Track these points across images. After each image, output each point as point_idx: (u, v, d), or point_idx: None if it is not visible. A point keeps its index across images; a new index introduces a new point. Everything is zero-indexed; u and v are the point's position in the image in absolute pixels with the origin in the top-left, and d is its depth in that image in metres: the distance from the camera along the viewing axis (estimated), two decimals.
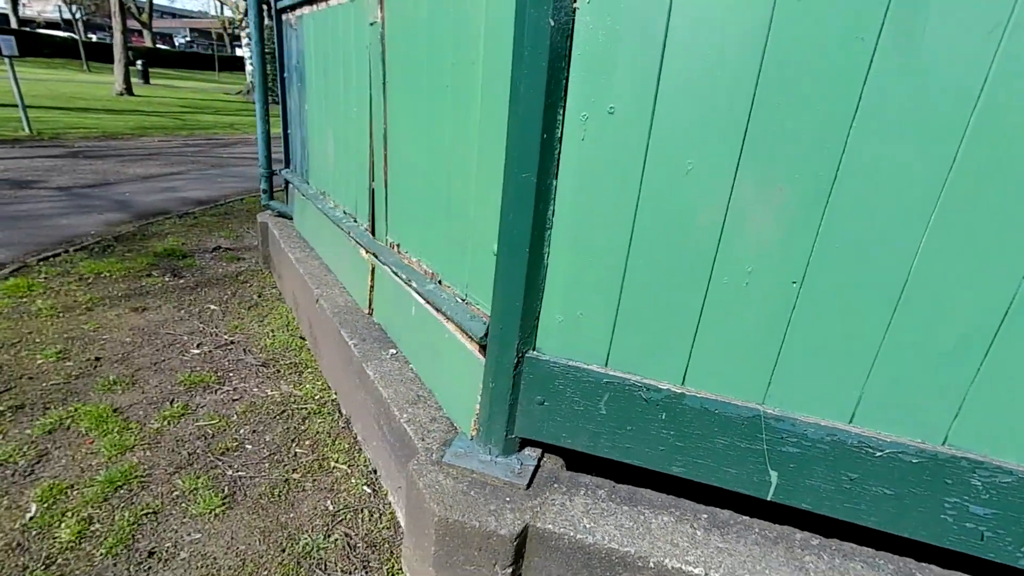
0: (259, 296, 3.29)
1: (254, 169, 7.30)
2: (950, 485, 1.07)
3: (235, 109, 16.59)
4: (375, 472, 1.86)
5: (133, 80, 17.67)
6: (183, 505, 1.67)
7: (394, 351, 1.97)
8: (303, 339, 2.79)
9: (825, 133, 1.00)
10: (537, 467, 1.40)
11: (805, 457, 1.17)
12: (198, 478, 1.78)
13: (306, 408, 2.21)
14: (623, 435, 1.31)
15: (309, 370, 2.51)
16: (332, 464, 1.90)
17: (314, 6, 2.65)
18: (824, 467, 1.16)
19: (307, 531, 1.61)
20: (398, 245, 2.00)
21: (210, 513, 1.64)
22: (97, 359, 2.42)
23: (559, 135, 1.18)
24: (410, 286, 1.82)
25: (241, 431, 2.05)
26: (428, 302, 1.73)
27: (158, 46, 44.36)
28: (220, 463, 1.86)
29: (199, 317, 2.94)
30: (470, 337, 1.49)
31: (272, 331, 2.86)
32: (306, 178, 3.21)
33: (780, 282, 1.11)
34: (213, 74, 38.18)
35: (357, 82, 2.19)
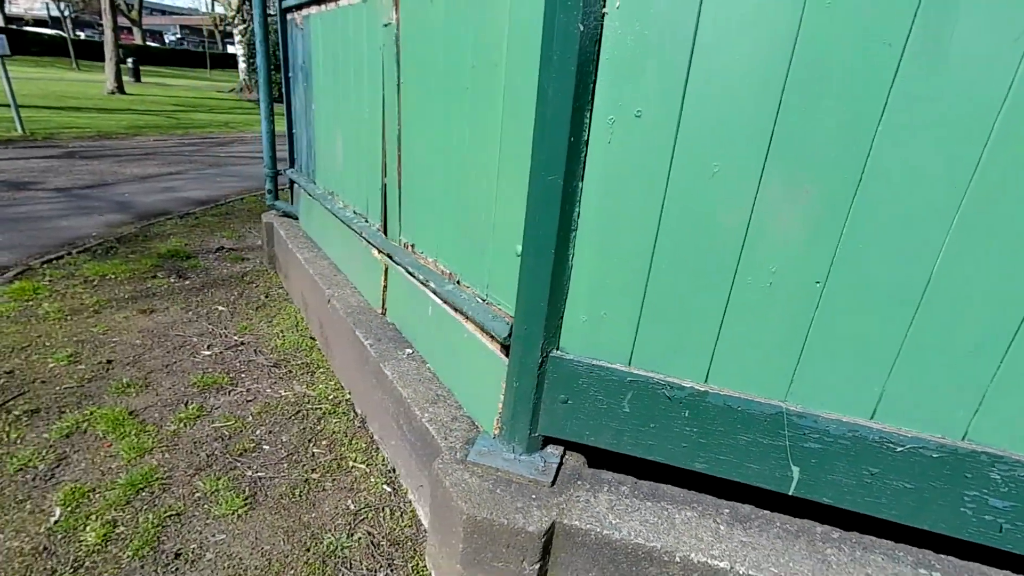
0: (266, 296, 3.30)
1: (252, 168, 7.27)
2: (970, 479, 1.10)
3: (229, 107, 16.49)
4: (394, 471, 1.88)
5: (124, 78, 17.50)
6: (206, 506, 1.68)
7: (410, 351, 1.98)
8: (313, 339, 2.79)
9: (851, 136, 1.02)
10: (560, 464, 1.43)
11: (827, 453, 1.19)
12: (218, 479, 1.79)
13: (321, 408, 2.23)
14: (646, 432, 1.33)
15: (321, 370, 2.52)
16: (350, 464, 1.92)
17: (322, 6, 2.65)
18: (845, 462, 1.18)
19: (330, 530, 1.63)
20: (412, 245, 2.01)
21: (233, 514, 1.66)
22: (108, 362, 2.42)
23: (586, 138, 1.20)
24: (427, 286, 1.83)
25: (257, 432, 2.06)
26: (446, 302, 1.74)
27: (148, 43, 43.92)
28: (239, 464, 1.88)
29: (207, 318, 2.94)
30: (492, 337, 1.51)
31: (281, 332, 2.87)
32: (313, 178, 3.21)
33: (804, 282, 1.13)
34: (205, 72, 37.87)
35: (369, 83, 2.19)
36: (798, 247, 1.12)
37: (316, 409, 2.22)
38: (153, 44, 49.41)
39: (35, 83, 16.72)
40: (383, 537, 1.62)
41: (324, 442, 2.03)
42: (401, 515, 1.70)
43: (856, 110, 1.01)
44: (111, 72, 16.46)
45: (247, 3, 19.27)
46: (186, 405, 2.17)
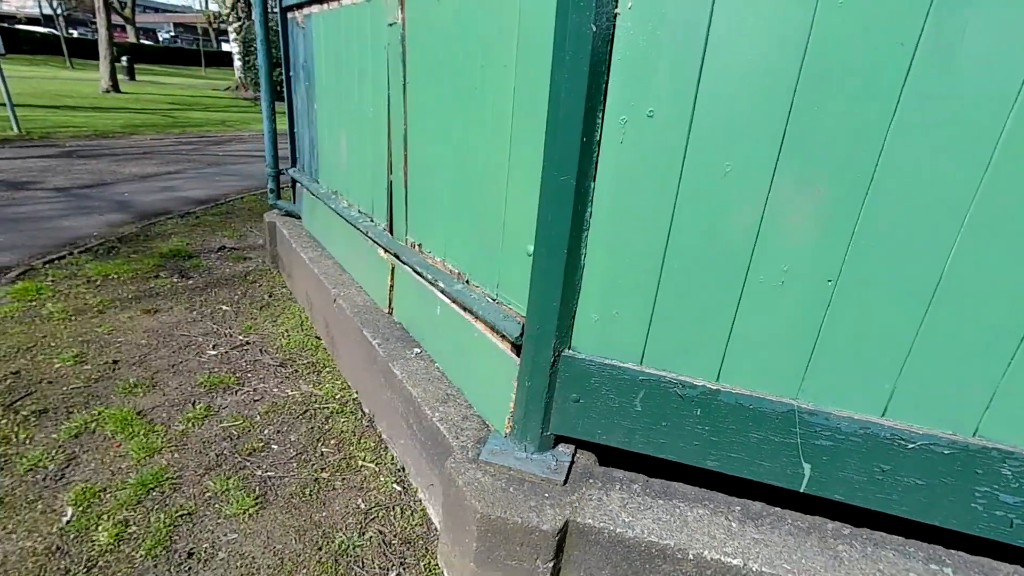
0: (270, 296, 3.29)
1: (251, 167, 7.25)
2: (980, 475, 1.12)
3: (225, 105, 16.42)
4: (403, 470, 1.89)
5: (119, 77, 17.39)
6: (216, 506, 1.68)
7: (418, 350, 1.99)
8: (318, 338, 2.80)
9: (863, 134, 1.03)
10: (572, 463, 1.43)
11: (838, 450, 1.21)
12: (228, 479, 1.79)
13: (328, 407, 2.23)
14: (658, 431, 1.34)
15: (327, 369, 2.53)
16: (359, 463, 1.92)
17: (324, 5, 2.64)
18: (857, 459, 1.20)
19: (341, 529, 1.64)
20: (420, 245, 2.01)
21: (244, 513, 1.66)
22: (115, 362, 2.42)
23: (598, 138, 1.20)
24: (435, 286, 1.84)
25: (266, 431, 2.06)
26: (455, 302, 1.75)
27: (142, 41, 43.66)
28: (248, 464, 1.88)
29: (212, 318, 2.94)
30: (502, 336, 1.51)
31: (286, 331, 2.87)
32: (315, 177, 3.20)
33: (816, 280, 1.14)
34: (199, 70, 37.66)
35: (374, 82, 2.19)
36: (810, 245, 1.13)
37: (323, 408, 2.23)
38: (147, 42, 49.13)
39: (29, 82, 16.61)
40: (394, 536, 1.63)
41: (332, 441, 2.03)
42: (411, 514, 1.71)
43: (868, 109, 1.02)
44: (106, 70, 16.35)
45: (242, 0, 19.17)
46: (193, 405, 2.18)
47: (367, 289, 2.49)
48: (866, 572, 1.15)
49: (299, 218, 3.62)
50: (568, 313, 1.33)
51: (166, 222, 4.52)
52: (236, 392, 2.30)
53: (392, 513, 1.71)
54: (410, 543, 1.60)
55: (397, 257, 2.11)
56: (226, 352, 2.61)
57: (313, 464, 1.91)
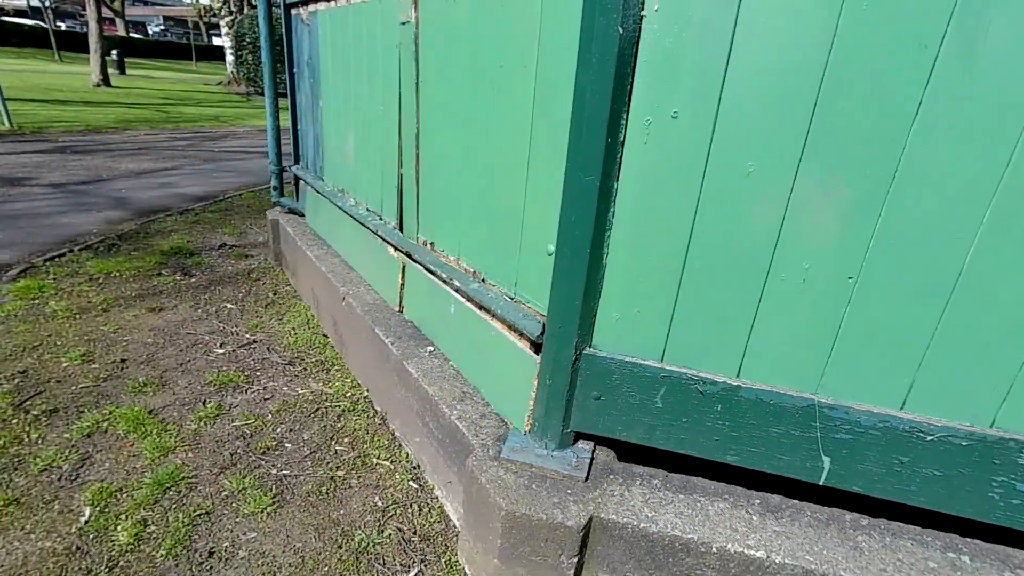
0: (274, 294, 3.29)
1: (247, 163, 7.20)
2: (998, 465, 1.15)
3: (218, 100, 16.26)
4: (418, 467, 1.90)
5: (109, 71, 17.17)
6: (234, 505, 1.69)
7: (432, 348, 1.99)
8: (326, 336, 2.80)
9: (886, 135, 1.05)
10: (592, 459, 1.45)
11: (858, 443, 1.23)
12: (244, 478, 1.80)
13: (339, 406, 2.24)
14: (678, 427, 1.36)
15: (336, 367, 2.53)
16: (374, 461, 1.93)
17: (331, 2, 2.63)
18: (876, 452, 1.22)
19: (360, 527, 1.65)
20: (432, 243, 2.02)
21: (262, 512, 1.67)
22: (122, 361, 2.41)
23: (622, 139, 1.21)
24: (449, 284, 1.85)
25: (278, 430, 2.07)
26: (470, 300, 1.76)
27: (131, 35, 43.10)
28: (263, 462, 1.88)
29: (217, 316, 2.93)
30: (521, 335, 1.53)
31: (293, 329, 2.86)
32: (320, 175, 3.19)
33: (837, 278, 1.16)
34: (190, 64, 37.26)
35: (384, 81, 2.19)
36: (832, 244, 1.14)
37: (335, 407, 2.23)
38: (136, 35, 48.51)
39: (18, 75, 16.37)
40: (413, 533, 1.64)
41: (346, 439, 2.04)
42: (429, 511, 1.72)
43: (891, 110, 1.03)
44: (96, 64, 16.14)
45: None
46: (204, 404, 2.18)
47: (376, 287, 2.49)
48: (886, 562, 1.17)
49: (302, 215, 3.61)
50: (589, 312, 1.35)
51: (165, 219, 4.48)
52: (246, 391, 2.30)
53: (410, 510, 1.72)
54: (429, 540, 1.62)
55: (409, 255, 2.11)
56: (233, 350, 2.61)
57: (328, 462, 1.91)
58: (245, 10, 19.80)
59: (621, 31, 1.12)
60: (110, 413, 2.05)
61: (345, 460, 1.93)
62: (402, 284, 2.23)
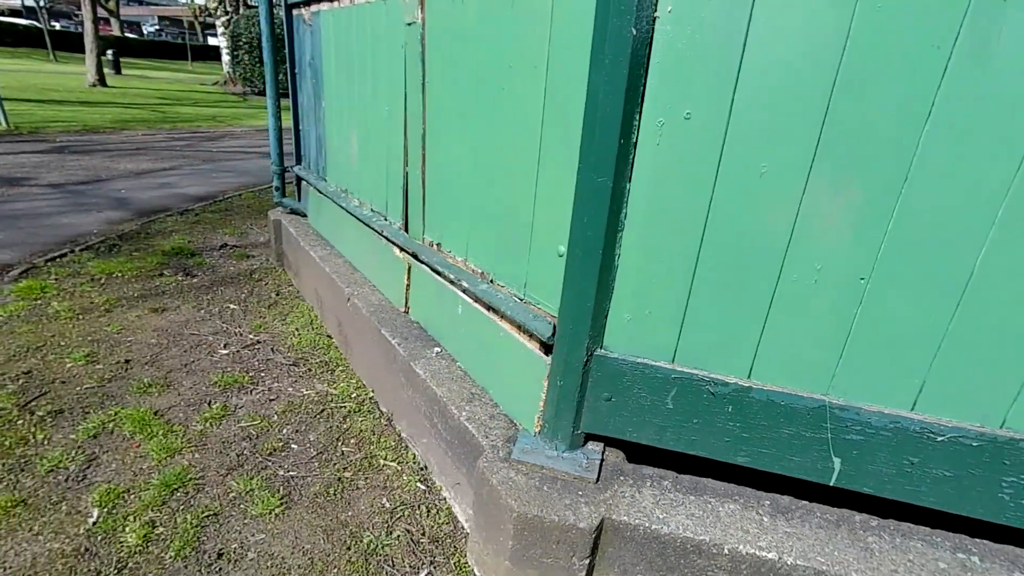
0: (277, 294, 3.28)
1: (246, 163, 7.19)
2: (1008, 465, 1.15)
3: (214, 100, 16.20)
4: (425, 468, 1.90)
5: (105, 71, 17.08)
6: (242, 506, 1.69)
7: (438, 349, 1.99)
8: (330, 337, 2.79)
9: (898, 135, 1.05)
10: (602, 461, 1.45)
11: (868, 444, 1.24)
12: (251, 479, 1.79)
13: (345, 407, 2.23)
14: (689, 428, 1.36)
15: (340, 368, 2.53)
16: (381, 462, 1.93)
17: (334, 3, 2.62)
18: (886, 452, 1.23)
19: (368, 528, 1.64)
20: (439, 244, 2.02)
21: (270, 514, 1.67)
22: (127, 361, 2.40)
23: (635, 140, 1.22)
24: (457, 285, 1.85)
25: (284, 431, 2.06)
26: (478, 301, 1.76)
27: (126, 35, 42.92)
28: (270, 464, 1.88)
29: (220, 317, 2.92)
30: (531, 336, 1.53)
31: (296, 330, 2.86)
32: (323, 175, 3.19)
33: (848, 278, 1.17)
34: (185, 63, 37.10)
35: (389, 81, 2.19)
36: (844, 244, 1.15)
37: (340, 408, 2.23)
38: (131, 35, 48.32)
39: (13, 75, 16.29)
40: (422, 534, 1.64)
41: (352, 440, 2.04)
42: (437, 512, 1.72)
43: (903, 110, 1.04)
44: (92, 64, 16.05)
45: None
46: (210, 404, 2.17)
47: (381, 288, 2.49)
48: (897, 563, 1.18)
49: (304, 216, 3.60)
50: (601, 313, 1.35)
51: (165, 219, 4.47)
52: (251, 392, 2.30)
53: (418, 512, 1.72)
54: (438, 542, 1.62)
55: (415, 256, 2.11)
56: (237, 351, 2.60)
57: (335, 463, 1.91)
58: (241, 10, 19.74)
59: (635, 32, 1.12)
60: (116, 414, 2.04)
61: (352, 461, 1.93)
62: (408, 285, 2.23)
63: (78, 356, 2.37)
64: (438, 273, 1.97)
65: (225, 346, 2.63)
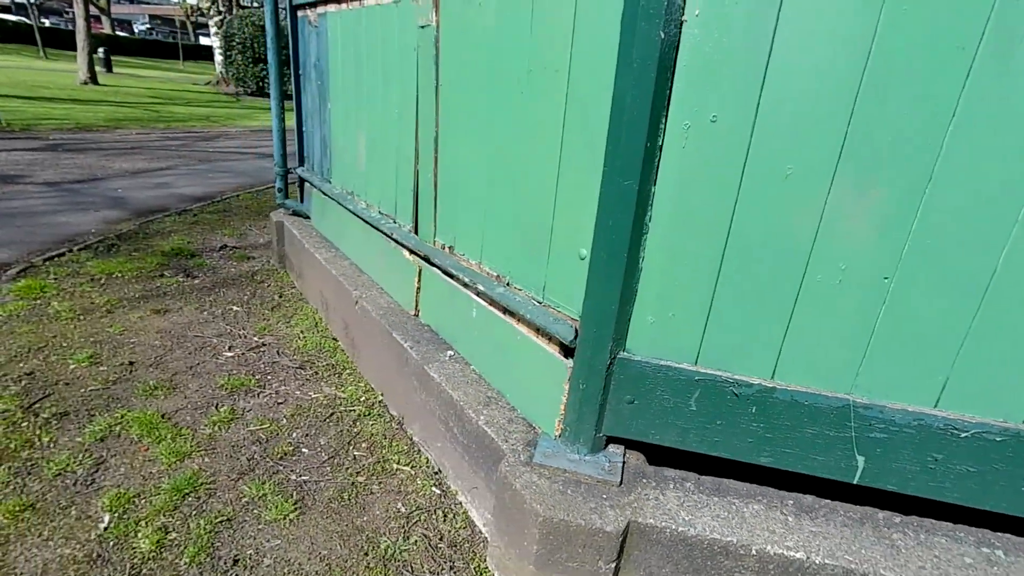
0: (280, 296, 3.25)
1: (243, 164, 7.13)
2: None
3: (207, 100, 16.08)
4: (439, 472, 1.88)
5: (96, 69, 16.90)
6: (255, 511, 1.66)
7: (452, 353, 1.98)
8: (335, 340, 2.77)
9: (923, 136, 1.07)
10: (624, 463, 1.45)
11: (892, 442, 1.24)
12: (263, 484, 1.77)
13: (355, 410, 2.21)
14: (712, 429, 1.37)
15: (348, 371, 2.51)
16: (394, 466, 1.92)
17: (342, 5, 2.61)
18: (910, 450, 1.24)
19: (384, 533, 1.63)
20: (451, 247, 2.01)
21: (284, 519, 1.65)
22: (131, 363, 2.37)
23: (660, 143, 1.22)
24: (472, 288, 1.84)
25: (294, 435, 2.04)
26: (494, 304, 1.75)
27: (118, 33, 42.52)
28: (281, 468, 1.86)
29: (223, 318, 2.89)
30: (549, 339, 1.52)
31: (301, 332, 2.83)
32: (328, 177, 3.17)
33: (872, 278, 1.17)
34: (177, 63, 36.81)
35: (400, 84, 2.17)
36: (868, 244, 1.16)
37: (350, 411, 2.21)
38: (122, 34, 47.87)
39: (2, 71, 16.08)
40: (439, 539, 1.62)
41: (364, 444, 2.02)
42: (454, 517, 1.71)
43: (928, 111, 1.05)
44: (83, 62, 15.88)
45: None
46: (217, 408, 2.14)
47: (389, 291, 2.48)
48: (924, 559, 1.19)
49: (307, 218, 3.58)
50: (625, 316, 1.35)
51: (164, 219, 4.42)
52: (258, 395, 2.27)
53: (434, 516, 1.71)
54: (456, 546, 1.61)
55: (427, 259, 2.10)
56: (243, 353, 2.57)
57: (347, 468, 1.89)
58: (234, 10, 19.61)
59: (663, 36, 1.13)
60: (122, 417, 2.01)
61: (364, 465, 1.91)
62: (418, 288, 2.22)
63: (81, 357, 2.34)
64: (451, 276, 1.96)
65: (230, 348, 2.60)
